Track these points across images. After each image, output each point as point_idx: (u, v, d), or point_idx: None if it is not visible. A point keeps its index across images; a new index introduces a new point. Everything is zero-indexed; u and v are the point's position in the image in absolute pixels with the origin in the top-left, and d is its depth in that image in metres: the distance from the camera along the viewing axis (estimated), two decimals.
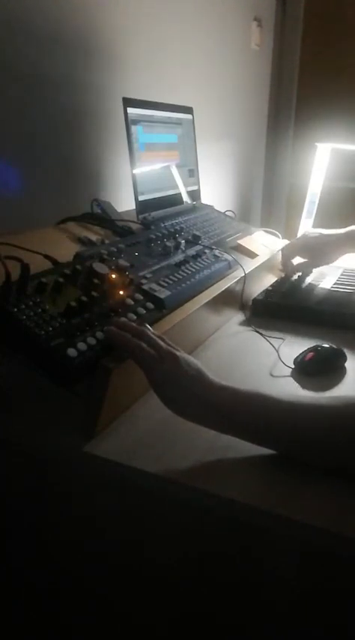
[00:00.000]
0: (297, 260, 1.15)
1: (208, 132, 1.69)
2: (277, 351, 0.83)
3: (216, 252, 0.99)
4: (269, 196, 2.51)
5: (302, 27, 2.24)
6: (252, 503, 0.51)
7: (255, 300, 1.00)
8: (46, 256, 0.72)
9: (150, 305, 0.72)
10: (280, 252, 1.17)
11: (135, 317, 0.68)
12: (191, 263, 0.90)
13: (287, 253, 1.14)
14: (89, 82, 1.15)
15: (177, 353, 0.60)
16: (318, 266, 1.12)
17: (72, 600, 0.69)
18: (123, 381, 0.61)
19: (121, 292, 0.71)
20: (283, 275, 1.14)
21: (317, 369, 0.77)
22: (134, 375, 0.62)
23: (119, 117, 1.02)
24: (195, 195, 1.28)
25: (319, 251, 1.09)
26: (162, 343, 0.61)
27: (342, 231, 1.10)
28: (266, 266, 1.14)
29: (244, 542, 0.53)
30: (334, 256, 1.09)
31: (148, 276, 0.79)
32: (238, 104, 2.02)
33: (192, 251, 0.95)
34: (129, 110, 1.02)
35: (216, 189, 1.90)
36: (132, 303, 0.71)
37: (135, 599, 0.64)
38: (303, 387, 0.74)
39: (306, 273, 1.14)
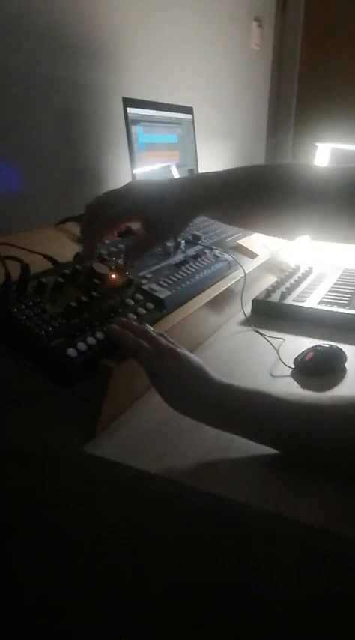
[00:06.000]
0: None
1: (208, 132, 1.69)
2: (277, 351, 0.83)
3: (216, 252, 0.99)
4: None
5: (302, 27, 2.24)
6: (252, 503, 0.51)
7: (255, 300, 1.00)
8: (46, 256, 0.72)
9: (150, 305, 0.72)
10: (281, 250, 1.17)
11: (135, 317, 0.68)
12: (191, 263, 0.90)
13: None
14: (89, 82, 1.15)
15: (178, 350, 0.60)
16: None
17: (71, 600, 0.69)
18: (124, 380, 0.61)
19: (121, 292, 0.71)
20: (283, 276, 1.14)
21: (317, 369, 0.77)
22: (134, 375, 0.62)
23: (119, 117, 1.02)
24: None
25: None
26: (162, 340, 0.61)
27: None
28: (266, 266, 1.14)
29: (244, 543, 0.53)
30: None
31: (148, 276, 0.80)
32: (238, 104, 2.02)
33: (192, 251, 0.95)
34: (129, 110, 1.02)
35: None
36: (132, 303, 0.71)
37: (134, 599, 0.63)
38: (303, 387, 0.74)
39: (307, 273, 1.14)
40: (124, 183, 0.68)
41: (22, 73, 0.98)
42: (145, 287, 0.75)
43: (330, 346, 0.80)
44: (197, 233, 1.02)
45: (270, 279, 1.12)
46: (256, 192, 0.64)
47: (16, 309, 0.59)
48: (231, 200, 0.65)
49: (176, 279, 0.82)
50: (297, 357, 0.79)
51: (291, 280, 1.09)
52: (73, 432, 0.60)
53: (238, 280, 0.95)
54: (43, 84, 1.03)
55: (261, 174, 0.67)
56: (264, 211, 0.66)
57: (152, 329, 0.64)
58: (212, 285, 0.89)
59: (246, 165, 0.68)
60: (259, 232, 0.74)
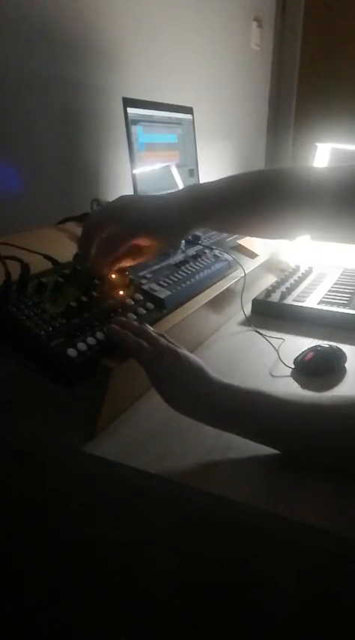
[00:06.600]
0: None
1: (208, 132, 1.69)
2: (277, 351, 0.83)
3: (216, 252, 0.99)
4: None
5: (302, 27, 2.24)
6: (252, 503, 0.51)
7: (255, 300, 1.00)
8: (46, 256, 0.72)
9: (150, 305, 0.72)
10: (282, 253, 1.17)
11: (135, 317, 0.68)
12: (191, 263, 0.90)
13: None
14: (89, 82, 1.15)
15: (178, 350, 0.60)
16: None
17: (71, 601, 0.69)
18: (124, 380, 0.61)
19: (121, 292, 0.71)
20: (283, 276, 1.14)
21: (317, 369, 0.77)
22: (134, 375, 0.62)
23: (119, 117, 1.02)
24: None
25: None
26: (162, 340, 0.61)
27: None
28: (266, 266, 1.14)
29: (244, 543, 0.53)
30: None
31: (148, 276, 0.79)
32: (238, 104, 2.02)
33: (192, 251, 0.95)
34: (129, 110, 1.02)
35: None
36: (132, 303, 0.71)
37: (134, 599, 0.63)
38: (303, 387, 0.74)
39: (307, 273, 1.14)
40: (118, 197, 0.67)
41: (22, 73, 0.98)
42: (145, 287, 0.75)
43: (330, 346, 0.80)
44: (197, 233, 1.02)
45: (270, 279, 1.12)
46: (256, 199, 0.65)
47: (16, 309, 0.59)
48: (229, 208, 0.66)
49: (176, 279, 0.82)
50: (297, 357, 0.79)
51: (291, 280, 1.09)
52: (73, 432, 0.60)
53: (238, 280, 0.95)
54: (43, 84, 1.03)
55: (259, 181, 0.67)
56: (264, 217, 0.66)
57: (152, 329, 0.64)
58: (212, 285, 0.89)
59: (245, 171, 0.68)
60: (258, 237, 0.74)
